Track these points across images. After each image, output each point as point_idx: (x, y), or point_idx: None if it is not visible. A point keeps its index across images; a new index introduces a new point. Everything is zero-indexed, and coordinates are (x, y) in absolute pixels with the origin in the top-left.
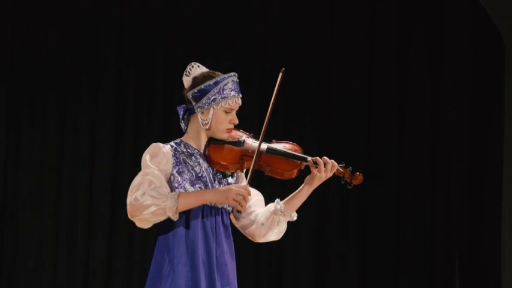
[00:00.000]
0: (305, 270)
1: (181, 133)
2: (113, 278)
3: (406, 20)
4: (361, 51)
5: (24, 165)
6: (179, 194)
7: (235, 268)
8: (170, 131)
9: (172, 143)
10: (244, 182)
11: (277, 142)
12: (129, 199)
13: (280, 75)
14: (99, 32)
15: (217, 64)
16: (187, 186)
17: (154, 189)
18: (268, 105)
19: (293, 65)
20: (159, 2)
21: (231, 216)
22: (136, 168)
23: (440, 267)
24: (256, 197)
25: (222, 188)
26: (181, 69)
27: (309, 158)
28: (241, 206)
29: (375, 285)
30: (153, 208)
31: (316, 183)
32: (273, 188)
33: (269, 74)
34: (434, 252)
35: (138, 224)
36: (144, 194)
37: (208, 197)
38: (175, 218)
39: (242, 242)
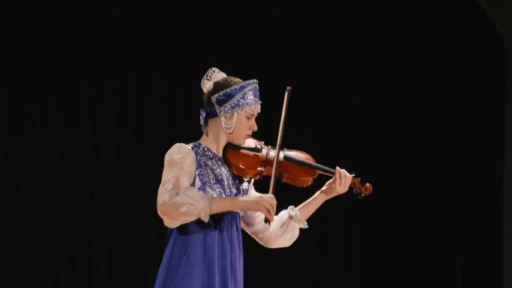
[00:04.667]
0: (305, 270)
1: (186, 135)
2: (115, 276)
3: (406, 22)
4: (362, 53)
5: (26, 166)
6: (213, 198)
7: (243, 276)
8: (172, 133)
9: (191, 145)
10: (252, 189)
11: (288, 150)
12: (162, 198)
13: (286, 94)
14: (100, 33)
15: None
16: (208, 189)
17: (188, 189)
18: (279, 118)
19: (293, 66)
20: (159, 3)
21: (242, 222)
22: (137, 168)
23: (441, 268)
24: None
25: (252, 197)
26: (182, 70)
27: (338, 169)
28: (270, 215)
29: (375, 285)
30: (185, 208)
31: (333, 195)
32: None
33: (269, 77)
34: (435, 252)
35: (167, 223)
36: (178, 193)
37: (241, 205)
38: (206, 219)
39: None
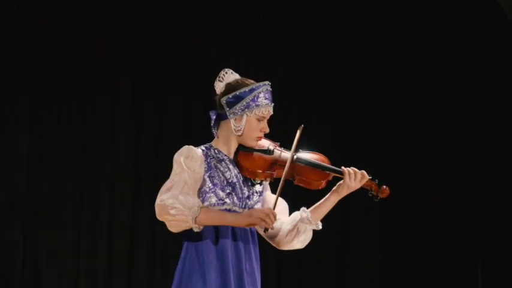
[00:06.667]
0: (326, 269)
1: (204, 135)
2: (135, 273)
3: (408, 22)
4: (364, 53)
5: (46, 163)
6: (201, 207)
7: (260, 276)
8: (188, 133)
9: (202, 147)
10: (268, 191)
11: (304, 152)
12: (157, 199)
13: (299, 131)
14: (101, 29)
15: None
16: (218, 191)
17: (182, 195)
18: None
19: (295, 65)
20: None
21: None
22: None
23: (462, 276)
24: (281, 205)
25: (243, 212)
26: (183, 69)
27: (343, 168)
28: (266, 223)
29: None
30: (173, 212)
31: (345, 193)
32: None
33: (274, 74)
34: (456, 261)
35: (168, 227)
36: (172, 196)
37: (229, 219)
38: (195, 228)
39: (264, 246)
